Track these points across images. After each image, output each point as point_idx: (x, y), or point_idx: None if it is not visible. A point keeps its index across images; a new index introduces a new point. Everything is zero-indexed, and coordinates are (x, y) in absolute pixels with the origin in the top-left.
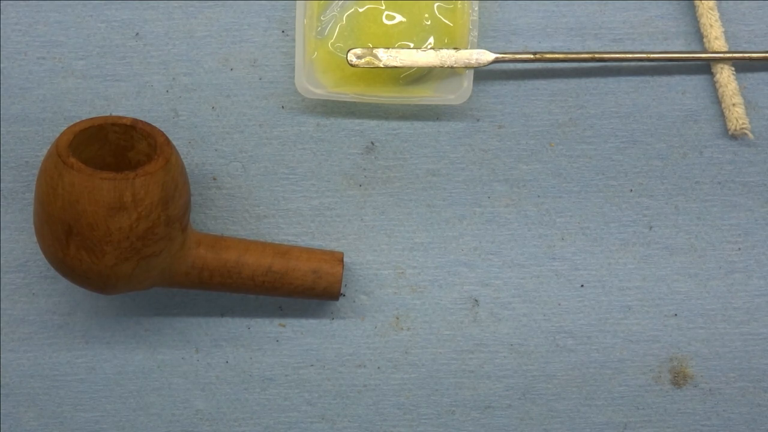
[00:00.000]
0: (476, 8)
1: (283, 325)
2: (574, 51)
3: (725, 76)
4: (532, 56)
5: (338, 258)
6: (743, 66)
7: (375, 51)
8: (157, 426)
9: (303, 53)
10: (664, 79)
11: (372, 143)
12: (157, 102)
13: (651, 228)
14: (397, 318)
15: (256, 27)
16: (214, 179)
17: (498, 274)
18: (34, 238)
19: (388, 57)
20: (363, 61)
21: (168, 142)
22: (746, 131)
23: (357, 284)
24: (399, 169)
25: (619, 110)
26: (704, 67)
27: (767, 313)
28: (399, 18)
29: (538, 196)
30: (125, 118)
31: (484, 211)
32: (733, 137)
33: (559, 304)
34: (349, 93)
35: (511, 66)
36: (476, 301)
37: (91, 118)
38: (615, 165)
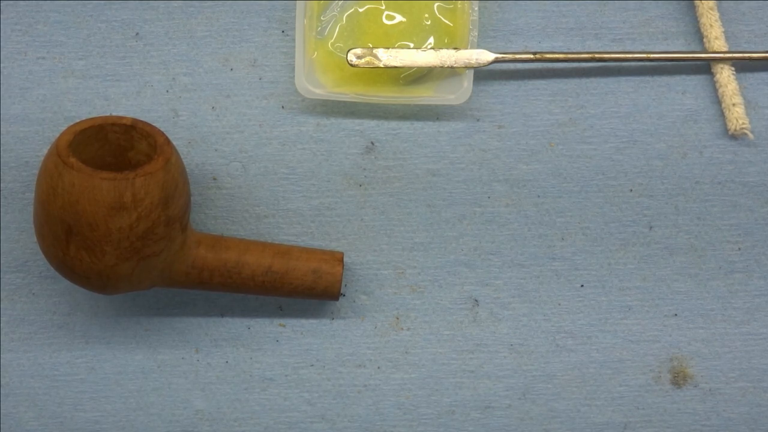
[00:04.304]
0: (476, 8)
1: (283, 325)
2: (574, 51)
3: (725, 76)
4: (532, 56)
5: (338, 258)
6: (743, 66)
7: (375, 51)
8: (157, 426)
9: (303, 53)
10: (664, 79)
11: (372, 143)
12: (157, 102)
13: (651, 228)
14: (397, 318)
15: (256, 27)
16: (214, 179)
17: (498, 274)
18: (34, 238)
19: (388, 57)
20: (363, 61)
21: (168, 142)
22: (746, 131)
23: (357, 284)
24: (399, 169)
25: (619, 110)
26: (704, 67)
27: (767, 313)
28: (399, 18)
29: (538, 196)
30: (125, 118)
31: (484, 211)
32: (733, 137)
33: (559, 304)
34: (349, 93)
35: (511, 66)
36: (476, 301)
37: (91, 118)
38: (615, 165)
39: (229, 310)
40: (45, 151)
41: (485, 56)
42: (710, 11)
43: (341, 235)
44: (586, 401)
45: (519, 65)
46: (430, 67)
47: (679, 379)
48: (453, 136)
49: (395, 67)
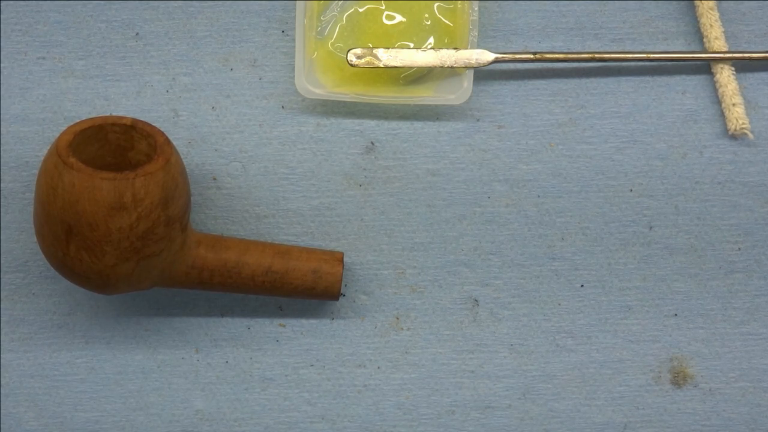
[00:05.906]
0: (476, 8)
1: (283, 325)
2: (574, 51)
3: (725, 76)
4: (532, 56)
5: (338, 258)
6: (743, 66)
7: (375, 51)
8: (157, 426)
9: (303, 53)
10: (664, 79)
11: (372, 143)
12: (157, 102)
13: (651, 228)
14: (397, 318)
15: (256, 27)
16: (214, 179)
17: (498, 274)
18: (34, 238)
19: (388, 57)
20: (363, 61)
21: (168, 142)
22: (746, 131)
23: (357, 284)
24: (399, 169)
25: (619, 110)
26: (704, 67)
27: (767, 313)
28: (399, 18)
29: (538, 196)
30: (125, 118)
31: (484, 211)
32: (733, 137)
33: (559, 304)
34: (349, 93)
35: (511, 66)
36: (476, 301)
37: (91, 118)
38: (615, 165)
39: (229, 310)
40: (45, 151)
41: (485, 56)
42: (710, 11)
43: (341, 235)
44: (586, 401)
45: (519, 65)
46: (430, 67)
47: (679, 379)
48: (453, 136)
49: (395, 67)
